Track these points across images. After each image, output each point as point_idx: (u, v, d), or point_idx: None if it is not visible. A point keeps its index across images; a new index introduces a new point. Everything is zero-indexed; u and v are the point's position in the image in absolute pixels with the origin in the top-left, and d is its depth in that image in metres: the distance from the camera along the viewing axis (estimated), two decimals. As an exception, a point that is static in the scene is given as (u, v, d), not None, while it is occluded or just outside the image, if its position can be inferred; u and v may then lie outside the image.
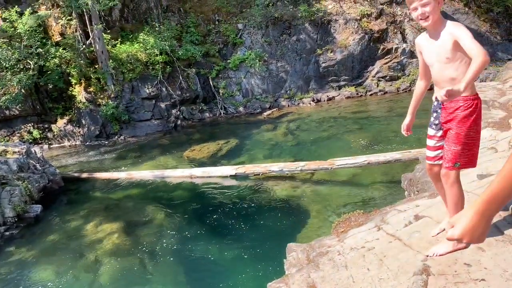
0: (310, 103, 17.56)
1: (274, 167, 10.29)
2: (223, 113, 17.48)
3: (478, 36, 19.02)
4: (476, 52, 2.30)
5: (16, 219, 8.87)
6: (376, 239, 3.07)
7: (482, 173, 3.39)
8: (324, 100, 17.75)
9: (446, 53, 2.46)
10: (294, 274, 2.66)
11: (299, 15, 18.39)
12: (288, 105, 17.66)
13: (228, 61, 18.15)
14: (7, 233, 8.49)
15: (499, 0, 19.62)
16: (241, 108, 17.66)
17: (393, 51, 18.32)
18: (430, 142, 2.80)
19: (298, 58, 18.40)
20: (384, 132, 12.76)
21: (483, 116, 3.20)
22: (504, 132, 4.84)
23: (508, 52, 18.47)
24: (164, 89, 16.78)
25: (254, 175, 10.34)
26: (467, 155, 2.56)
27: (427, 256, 2.64)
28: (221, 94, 17.79)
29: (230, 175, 10.48)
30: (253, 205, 8.94)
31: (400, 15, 18.63)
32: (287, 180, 9.98)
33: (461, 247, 2.55)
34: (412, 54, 17.90)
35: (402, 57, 18.24)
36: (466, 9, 19.59)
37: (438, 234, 2.88)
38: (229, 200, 9.29)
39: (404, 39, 18.41)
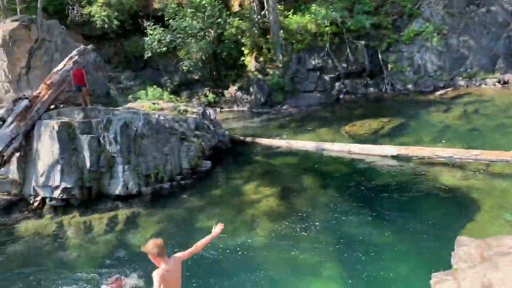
0: (494, 85, 15.27)
1: (442, 152, 9.35)
2: (390, 89, 16.50)
3: None
4: None
5: (190, 171, 10.06)
6: None
7: None
8: (513, 82, 15.22)
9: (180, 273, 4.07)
10: (466, 270, 2.32)
11: (494, -19, 15.88)
12: (467, 86, 15.66)
13: (401, 33, 16.87)
14: (182, 182, 9.71)
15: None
16: (410, 85, 16.39)
17: None
18: None
19: (485, 33, 16.04)
20: None
21: None
22: None
23: None
24: (330, 61, 16.63)
25: (418, 158, 9.59)
26: None
27: None
28: (389, 69, 16.76)
29: (392, 156, 9.92)
30: (413, 190, 8.31)
31: None
32: (456, 168, 8.97)
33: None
34: None
35: None
36: None
37: None
38: (387, 182, 8.82)
39: None
